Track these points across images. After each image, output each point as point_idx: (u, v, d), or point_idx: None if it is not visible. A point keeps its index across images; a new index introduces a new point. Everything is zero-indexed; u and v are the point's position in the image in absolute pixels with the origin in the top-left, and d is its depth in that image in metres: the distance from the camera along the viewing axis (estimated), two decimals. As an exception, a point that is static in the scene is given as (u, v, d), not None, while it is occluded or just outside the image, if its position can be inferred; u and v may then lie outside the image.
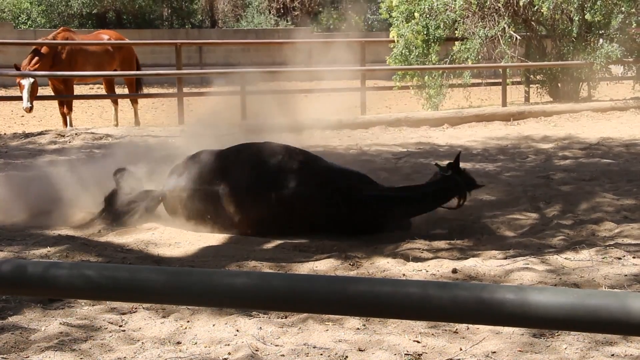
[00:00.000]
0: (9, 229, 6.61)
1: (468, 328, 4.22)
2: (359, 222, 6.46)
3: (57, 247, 5.89)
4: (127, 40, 17.03)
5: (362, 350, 3.98)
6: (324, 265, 5.47)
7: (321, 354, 3.93)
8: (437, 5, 17.61)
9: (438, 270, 5.27)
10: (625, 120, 15.37)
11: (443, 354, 3.96)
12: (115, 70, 15.71)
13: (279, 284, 1.97)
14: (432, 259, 5.61)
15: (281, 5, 35.48)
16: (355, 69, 16.85)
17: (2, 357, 3.93)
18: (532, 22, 18.50)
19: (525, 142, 12.46)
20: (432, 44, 17.70)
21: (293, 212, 6.35)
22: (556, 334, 4.14)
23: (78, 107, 18.43)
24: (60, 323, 4.30)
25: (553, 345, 4.03)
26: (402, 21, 17.87)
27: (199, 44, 27.30)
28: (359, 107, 16.02)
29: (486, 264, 5.39)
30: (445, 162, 6.99)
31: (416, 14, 17.60)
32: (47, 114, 17.98)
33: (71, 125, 14.66)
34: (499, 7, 17.64)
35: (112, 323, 4.37)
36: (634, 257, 5.50)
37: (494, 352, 3.95)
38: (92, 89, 22.28)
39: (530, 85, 18.93)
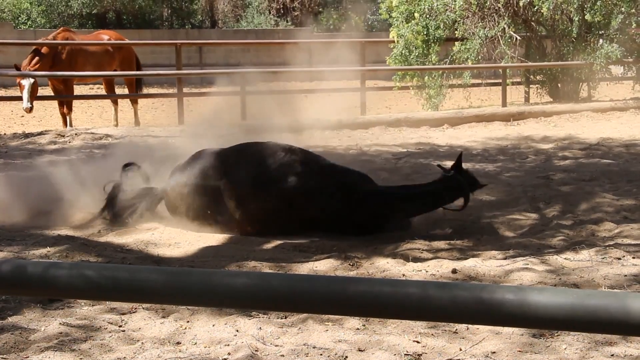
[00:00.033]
0: (8, 229, 6.62)
1: (468, 328, 4.22)
2: (360, 219, 6.46)
3: (56, 247, 5.89)
4: (127, 41, 17.03)
5: (361, 351, 3.98)
6: (324, 266, 5.47)
7: (321, 354, 3.93)
8: (437, 5, 17.61)
9: (438, 271, 5.27)
10: (625, 120, 15.37)
11: (443, 354, 3.96)
12: (115, 70, 15.72)
13: (279, 284, 1.97)
14: (431, 259, 5.61)
15: (281, 6, 35.49)
16: (355, 69, 16.85)
17: (2, 357, 3.93)
18: (532, 23, 18.50)
19: (525, 143, 12.46)
20: (432, 44, 17.71)
21: (294, 207, 6.36)
22: (556, 334, 4.14)
23: (78, 107, 18.43)
24: (60, 323, 4.31)
25: (553, 345, 4.03)
26: (402, 21, 17.87)
27: (199, 44, 27.31)
28: (358, 108, 16.02)
29: (486, 264, 5.39)
30: (447, 163, 6.99)
31: (416, 15, 17.60)
32: (47, 114, 17.98)
33: (71, 125, 14.67)
34: (499, 8, 17.64)
35: (111, 323, 4.38)
36: (633, 258, 5.50)
37: (494, 353, 3.95)
38: (92, 89, 22.28)
39: (530, 86, 18.93)
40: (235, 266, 5.47)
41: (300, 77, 16.88)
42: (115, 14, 34.14)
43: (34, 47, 15.03)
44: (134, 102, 16.10)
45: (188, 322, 4.37)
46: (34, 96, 14.07)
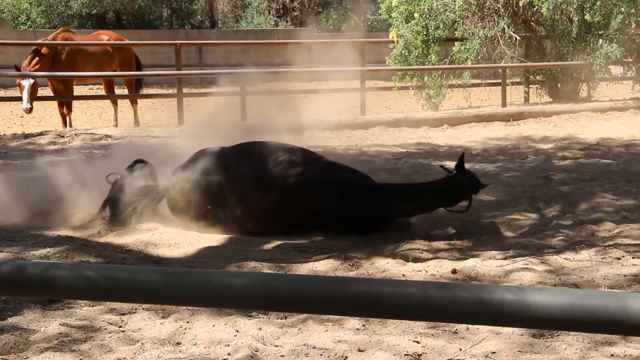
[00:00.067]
0: (8, 230, 6.61)
1: (468, 328, 4.23)
2: (361, 215, 6.46)
3: (56, 247, 5.89)
4: (127, 41, 17.03)
5: (361, 351, 3.98)
6: (324, 266, 5.47)
7: (321, 355, 3.94)
8: (437, 5, 17.61)
9: (438, 271, 5.27)
10: (624, 120, 15.38)
11: (443, 354, 3.96)
12: (114, 70, 15.72)
13: (279, 284, 1.97)
14: (431, 259, 5.61)
15: (281, 6, 35.49)
16: (354, 69, 16.86)
17: (2, 358, 3.93)
18: (532, 23, 18.51)
19: (525, 143, 12.46)
20: (432, 45, 17.71)
21: (294, 202, 6.36)
22: (556, 334, 4.14)
23: (78, 107, 18.43)
24: (60, 324, 4.31)
25: (552, 345, 4.03)
26: (402, 22, 17.87)
27: (199, 45, 27.30)
28: (358, 108, 16.02)
29: (486, 265, 5.39)
30: (447, 163, 7.00)
31: (416, 15, 17.61)
32: (47, 114, 17.98)
33: (71, 125, 14.67)
34: (499, 8, 17.65)
35: (111, 324, 4.38)
36: (633, 258, 5.50)
37: (494, 353, 3.95)
38: (92, 89, 22.29)
39: (530, 86, 18.94)
40: (235, 266, 5.47)
41: (300, 77, 16.88)
42: (115, 14, 34.14)
43: (33, 48, 15.03)
44: (134, 102, 16.10)
45: (188, 322, 4.37)
46: (33, 97, 14.07)
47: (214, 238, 6.35)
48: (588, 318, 1.79)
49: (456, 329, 4.23)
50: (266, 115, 12.35)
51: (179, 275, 2.07)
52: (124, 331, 4.28)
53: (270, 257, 5.75)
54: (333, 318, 4.32)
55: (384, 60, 18.80)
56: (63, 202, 7.08)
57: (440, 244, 6.14)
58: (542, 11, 17.29)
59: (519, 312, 1.82)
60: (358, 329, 4.25)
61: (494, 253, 5.78)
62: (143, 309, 4.57)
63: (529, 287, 2.07)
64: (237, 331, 4.22)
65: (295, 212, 6.38)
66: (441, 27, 17.69)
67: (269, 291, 1.95)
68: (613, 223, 6.64)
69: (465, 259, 5.61)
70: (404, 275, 5.23)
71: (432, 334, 4.18)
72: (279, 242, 6.21)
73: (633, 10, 17.76)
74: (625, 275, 5.08)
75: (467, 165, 6.91)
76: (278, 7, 35.50)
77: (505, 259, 5.59)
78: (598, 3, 17.06)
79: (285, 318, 4.43)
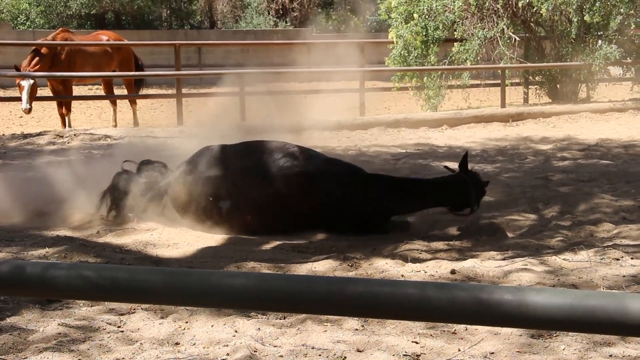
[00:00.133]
0: (7, 230, 6.61)
1: (466, 329, 4.23)
2: (362, 208, 6.47)
3: (55, 247, 5.89)
4: (126, 41, 17.03)
5: (360, 351, 3.98)
6: (323, 266, 5.47)
7: (319, 355, 3.94)
8: (436, 6, 17.62)
9: (436, 271, 5.27)
10: (623, 121, 15.38)
11: (441, 354, 3.96)
12: (114, 71, 15.72)
13: (278, 284, 1.97)
14: (430, 259, 5.61)
15: (280, 7, 35.48)
16: (354, 70, 16.86)
17: (1, 358, 3.93)
18: (531, 24, 18.51)
19: (524, 143, 12.46)
20: (431, 45, 17.71)
21: (295, 194, 6.38)
22: (554, 335, 4.14)
23: (77, 107, 18.43)
24: (59, 324, 4.31)
25: (551, 346, 4.03)
26: (401, 22, 17.87)
27: (198, 45, 27.29)
28: (357, 108, 16.02)
29: (485, 265, 5.39)
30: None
31: (415, 15, 17.61)
32: (46, 114, 17.98)
33: (70, 126, 14.66)
34: (498, 9, 17.65)
35: (110, 324, 4.38)
36: (632, 258, 5.50)
37: (492, 353, 3.95)
38: (91, 89, 22.28)
39: (529, 87, 18.94)
40: (234, 267, 5.47)
41: (300, 77, 16.89)
42: (114, 14, 34.14)
43: (33, 48, 15.03)
44: (133, 102, 16.10)
45: (187, 322, 4.37)
46: (33, 97, 14.07)
47: (213, 238, 6.35)
48: (587, 318, 1.79)
49: (455, 330, 4.23)
50: (265, 116, 12.35)
51: (178, 276, 2.07)
52: (122, 331, 4.28)
53: (269, 257, 5.75)
54: (332, 318, 4.32)
55: (384, 61, 18.80)
56: (62, 202, 7.08)
57: (439, 245, 6.14)
58: (541, 12, 17.29)
59: (518, 313, 1.82)
60: (357, 329, 4.25)
61: (492, 253, 5.78)
62: (142, 309, 4.57)
63: (528, 287, 2.07)
64: (236, 331, 4.22)
65: (295, 204, 6.39)
66: (440, 28, 17.69)
67: (267, 291, 1.95)
68: (612, 224, 6.65)
69: (464, 259, 5.62)
70: (402, 275, 5.23)
71: (431, 335, 4.18)
72: (277, 243, 6.22)
73: (632, 11, 17.77)
74: (624, 276, 5.08)
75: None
76: (277, 7, 35.50)
77: (504, 259, 5.59)
78: (597, 4, 17.07)
79: (284, 318, 4.43)
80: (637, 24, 18.52)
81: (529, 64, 18.22)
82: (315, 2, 35.93)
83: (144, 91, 17.00)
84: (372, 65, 19.76)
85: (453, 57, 17.81)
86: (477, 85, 18.61)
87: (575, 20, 17.31)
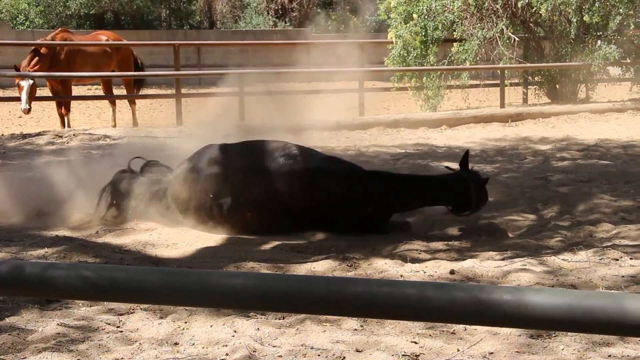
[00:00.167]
0: (6, 230, 6.61)
1: (465, 329, 4.23)
2: (362, 203, 6.47)
3: (54, 247, 5.89)
4: (125, 41, 17.02)
5: (359, 351, 3.98)
6: (322, 266, 5.48)
7: (319, 355, 3.94)
8: (436, 6, 17.61)
9: (436, 271, 5.28)
10: (622, 121, 15.39)
11: (440, 354, 3.96)
12: (113, 71, 15.71)
13: (277, 284, 1.97)
14: (429, 260, 5.61)
15: (279, 7, 35.48)
16: (353, 70, 16.86)
17: (0, 358, 3.93)
18: (530, 24, 18.51)
19: (523, 144, 12.47)
20: (431, 45, 17.71)
21: (294, 193, 6.39)
22: (553, 335, 4.14)
23: (76, 107, 18.42)
24: (58, 324, 4.30)
25: (550, 346, 4.03)
26: (401, 22, 17.87)
27: (198, 45, 27.27)
28: (357, 108, 16.02)
29: (484, 265, 5.39)
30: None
31: (414, 15, 17.60)
32: (45, 114, 17.97)
33: (69, 126, 14.66)
34: (497, 9, 17.65)
35: (109, 324, 4.37)
36: (631, 259, 5.51)
37: (492, 353, 3.95)
38: (90, 89, 22.28)
39: (529, 87, 18.95)
40: (233, 267, 5.47)
41: (299, 78, 16.89)
42: (114, 14, 34.13)
43: (32, 48, 15.02)
44: (132, 102, 16.09)
45: (186, 322, 4.37)
46: (32, 97, 14.06)
47: (212, 238, 6.35)
48: (586, 319, 1.79)
49: (454, 330, 4.23)
50: (265, 116, 12.35)
51: (177, 276, 2.07)
52: (121, 331, 4.28)
53: (268, 257, 5.75)
54: (331, 318, 4.32)
55: (383, 61, 18.80)
56: (61, 203, 7.08)
57: (439, 245, 6.15)
58: (540, 12, 17.29)
59: (517, 313, 1.82)
60: (356, 330, 4.25)
61: (492, 254, 5.78)
62: (141, 309, 4.57)
63: (527, 287, 2.07)
64: (235, 331, 4.22)
65: (295, 203, 6.39)
66: (440, 28, 17.69)
67: (267, 291, 1.95)
68: (611, 224, 6.65)
69: (464, 259, 5.62)
70: (402, 275, 5.23)
71: (430, 335, 4.18)
72: (277, 243, 6.22)
73: (631, 12, 17.77)
74: (623, 276, 5.08)
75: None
76: (277, 7, 35.49)
77: (503, 259, 5.60)
78: (597, 4, 17.07)
79: (283, 318, 4.43)
80: (637, 24, 18.52)
81: (528, 64, 18.23)
82: (315, 2, 35.93)
83: (143, 91, 17.01)
84: (372, 66, 19.77)
85: (452, 57, 17.81)
86: (477, 86, 18.61)
87: (575, 20, 17.31)
